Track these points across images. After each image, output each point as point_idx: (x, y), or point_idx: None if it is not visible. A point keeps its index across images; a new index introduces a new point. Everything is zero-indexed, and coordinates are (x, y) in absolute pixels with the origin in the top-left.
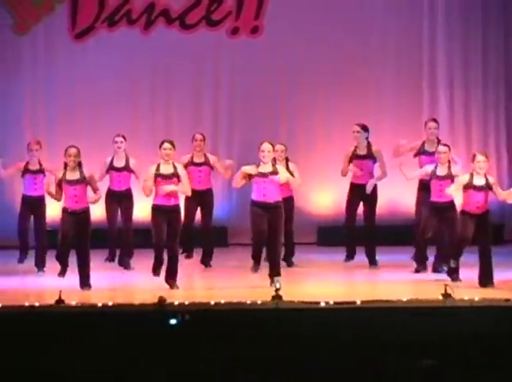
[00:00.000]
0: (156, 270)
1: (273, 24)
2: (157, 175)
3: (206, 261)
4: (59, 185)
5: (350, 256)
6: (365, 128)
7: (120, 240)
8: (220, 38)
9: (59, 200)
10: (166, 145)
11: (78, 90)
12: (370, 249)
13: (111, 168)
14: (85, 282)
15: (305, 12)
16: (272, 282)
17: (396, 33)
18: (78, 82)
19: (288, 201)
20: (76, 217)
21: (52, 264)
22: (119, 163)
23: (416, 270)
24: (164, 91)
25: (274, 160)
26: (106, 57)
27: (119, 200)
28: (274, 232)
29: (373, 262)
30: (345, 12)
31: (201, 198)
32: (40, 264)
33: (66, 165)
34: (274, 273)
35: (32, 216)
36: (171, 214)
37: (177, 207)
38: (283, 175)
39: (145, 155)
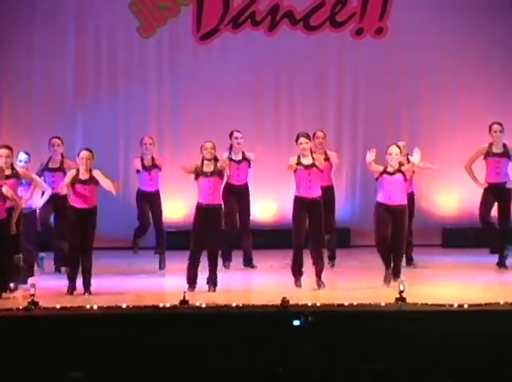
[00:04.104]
0: (297, 274)
1: (398, 25)
2: (298, 164)
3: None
4: (196, 173)
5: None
6: (503, 128)
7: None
8: (344, 39)
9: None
10: (302, 139)
11: (202, 90)
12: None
13: (231, 160)
14: (213, 282)
15: (429, 12)
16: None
17: None
18: (202, 82)
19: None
20: (210, 213)
21: (172, 264)
22: (237, 157)
23: None
24: (288, 92)
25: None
26: (230, 58)
27: (238, 195)
28: (399, 234)
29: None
30: (469, 11)
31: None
32: (162, 263)
33: (203, 159)
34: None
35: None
36: (312, 206)
37: (320, 198)
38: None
39: (268, 154)
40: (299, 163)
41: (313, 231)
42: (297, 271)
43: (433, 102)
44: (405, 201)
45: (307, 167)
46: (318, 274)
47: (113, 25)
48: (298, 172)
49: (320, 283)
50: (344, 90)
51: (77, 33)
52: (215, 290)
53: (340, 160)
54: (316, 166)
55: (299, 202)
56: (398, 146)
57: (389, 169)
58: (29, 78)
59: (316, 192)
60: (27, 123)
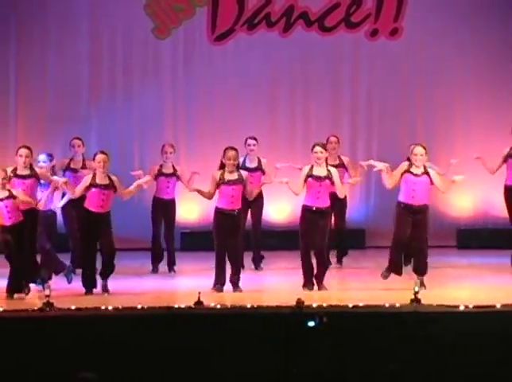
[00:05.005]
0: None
1: (413, 25)
2: (309, 176)
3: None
4: (217, 185)
5: None
6: None
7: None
8: (359, 40)
9: (210, 198)
10: (317, 148)
11: (217, 91)
12: None
13: (243, 168)
14: (236, 283)
15: (444, 13)
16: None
17: None
18: (217, 84)
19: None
20: (231, 218)
21: (186, 265)
22: (252, 164)
23: None
24: (303, 92)
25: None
26: (245, 59)
27: (251, 202)
28: (420, 234)
29: None
30: (484, 11)
31: (337, 200)
32: (171, 265)
33: (223, 165)
34: (420, 273)
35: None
36: (320, 214)
37: (328, 208)
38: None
39: (283, 154)
40: (311, 175)
41: (318, 240)
42: (309, 276)
43: (449, 103)
44: (428, 201)
45: (318, 179)
46: (319, 279)
47: (128, 27)
48: (309, 182)
49: (320, 287)
50: (359, 90)
51: (91, 34)
52: (240, 290)
53: (354, 161)
54: (329, 178)
55: (307, 212)
56: (424, 147)
57: (415, 171)
58: (43, 81)
59: (325, 203)
60: (42, 126)
